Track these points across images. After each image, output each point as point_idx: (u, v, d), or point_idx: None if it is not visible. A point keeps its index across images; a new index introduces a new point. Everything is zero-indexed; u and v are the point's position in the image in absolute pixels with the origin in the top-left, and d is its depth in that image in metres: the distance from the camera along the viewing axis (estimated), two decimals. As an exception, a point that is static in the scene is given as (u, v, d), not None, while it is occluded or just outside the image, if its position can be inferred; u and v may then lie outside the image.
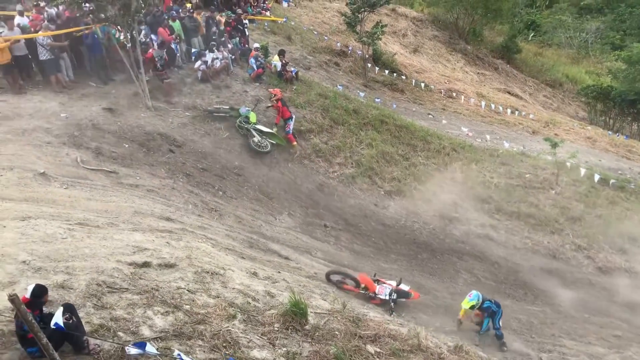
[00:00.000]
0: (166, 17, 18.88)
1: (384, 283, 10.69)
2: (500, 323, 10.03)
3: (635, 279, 15.62)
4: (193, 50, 18.84)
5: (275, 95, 16.97)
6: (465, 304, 10.03)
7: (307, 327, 7.40)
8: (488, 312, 9.92)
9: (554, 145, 18.64)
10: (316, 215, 14.96)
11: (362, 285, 10.53)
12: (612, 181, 19.40)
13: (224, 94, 18.00)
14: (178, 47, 18.63)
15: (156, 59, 16.81)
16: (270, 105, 17.12)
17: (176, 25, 18.73)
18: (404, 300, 10.70)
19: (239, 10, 23.00)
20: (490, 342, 10.23)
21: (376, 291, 10.46)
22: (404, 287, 10.74)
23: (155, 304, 6.87)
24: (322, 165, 16.96)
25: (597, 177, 19.14)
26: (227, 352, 6.45)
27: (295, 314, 7.39)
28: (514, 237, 16.09)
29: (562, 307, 13.35)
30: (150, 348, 5.62)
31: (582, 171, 19.42)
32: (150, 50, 17.06)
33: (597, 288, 14.85)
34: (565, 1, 50.85)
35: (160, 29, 17.88)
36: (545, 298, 13.70)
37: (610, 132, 31.43)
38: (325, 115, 18.66)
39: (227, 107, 17.17)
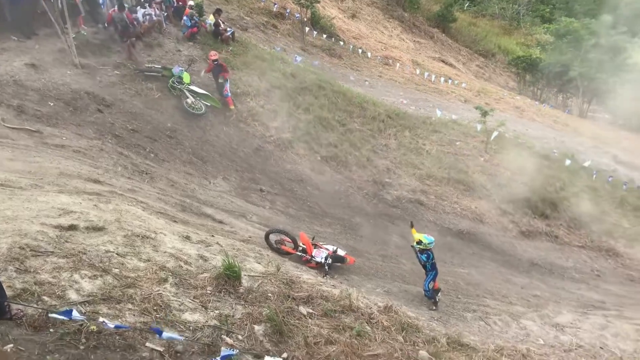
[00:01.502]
0: None
1: (321, 247, 10.81)
2: (430, 285, 10.38)
3: (554, 242, 16.57)
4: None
5: (210, 56, 16.55)
6: (417, 236, 10.45)
7: (240, 289, 7.40)
8: (425, 262, 10.23)
9: (484, 113, 19.26)
10: (252, 179, 14.83)
11: (301, 247, 10.61)
12: (536, 148, 20.32)
13: (156, 52, 17.35)
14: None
15: (117, 22, 16.10)
16: (208, 66, 16.68)
17: None
18: (339, 264, 10.87)
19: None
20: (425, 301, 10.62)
21: (313, 254, 10.57)
22: (341, 252, 10.90)
23: (82, 267, 6.66)
24: (259, 129, 16.76)
25: (522, 144, 19.98)
26: (158, 316, 6.37)
27: (229, 277, 7.37)
28: (444, 202, 16.61)
29: (487, 269, 13.98)
30: (76, 314, 5.47)
31: (510, 139, 20.21)
32: (110, 12, 16.45)
33: (520, 251, 15.64)
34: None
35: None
36: (472, 260, 14.30)
37: (537, 102, 32.75)
38: (262, 79, 18.36)
39: (159, 66, 16.55)
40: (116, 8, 16.61)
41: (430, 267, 10.33)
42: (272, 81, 18.35)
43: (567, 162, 19.72)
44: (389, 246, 13.53)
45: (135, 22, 17.02)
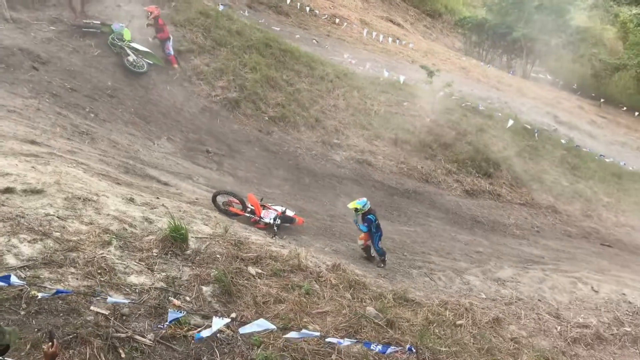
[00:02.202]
0: None
1: (270, 208, 10.79)
2: (380, 245, 10.58)
3: (497, 200, 17.12)
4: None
5: (151, 13, 15.88)
6: (352, 204, 10.45)
7: (187, 251, 7.33)
8: (369, 223, 10.37)
9: (431, 74, 19.42)
10: (198, 140, 14.54)
11: (249, 208, 10.56)
12: (480, 107, 20.75)
13: (94, 7, 16.50)
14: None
15: None
16: (149, 23, 16.00)
17: None
18: (288, 225, 10.90)
19: None
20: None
21: (262, 215, 10.54)
22: (289, 212, 10.91)
23: (20, 231, 6.42)
24: (204, 88, 16.34)
25: (467, 105, 20.36)
26: (102, 279, 6.25)
27: (175, 239, 7.28)
28: (391, 162, 16.81)
29: (432, 227, 14.35)
30: (15, 279, 5.29)
31: (455, 99, 20.53)
32: None
33: (464, 209, 16.10)
34: None
35: None
36: (417, 219, 14.63)
37: (482, 63, 33.26)
38: (207, 36, 17.81)
39: (98, 22, 15.77)
40: None
41: (375, 229, 10.47)
42: (217, 39, 17.83)
43: (510, 122, 20.24)
44: (337, 206, 13.65)
45: None
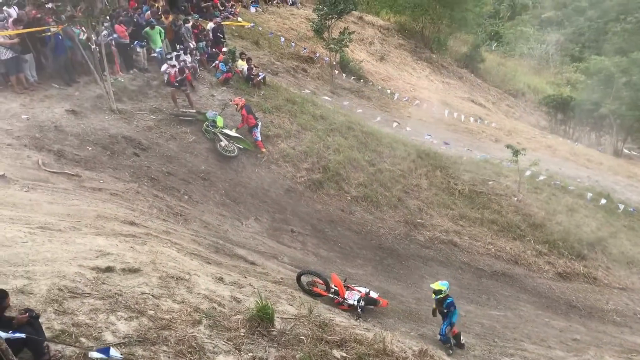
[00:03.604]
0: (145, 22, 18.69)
1: (353, 289, 10.73)
2: (446, 330, 10.12)
3: (593, 284, 16.08)
4: (157, 50, 18.57)
5: (237, 105, 16.94)
6: (435, 285, 10.13)
7: (273, 332, 7.37)
8: (449, 307, 10.01)
9: (516, 152, 19.07)
10: (283, 220, 14.93)
11: (333, 289, 10.55)
12: (569, 187, 19.98)
13: (191, 97, 17.85)
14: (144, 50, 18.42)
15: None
16: (239, 110, 17.07)
17: (155, 31, 18.49)
18: (372, 307, 10.76)
19: (218, 19, 22.89)
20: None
21: (345, 296, 10.49)
22: (373, 294, 10.80)
23: (118, 309, 6.75)
24: (290, 170, 16.95)
25: (556, 184, 19.69)
26: (192, 358, 6.38)
27: (262, 319, 7.35)
28: (478, 243, 16.36)
29: (524, 311, 13.63)
30: (114, 352, 5.52)
31: (542, 178, 19.94)
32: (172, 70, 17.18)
33: (557, 293, 15.22)
34: (527, 13, 52.29)
35: (117, 26, 17.58)
36: (508, 303, 13.97)
37: (570, 141, 32.35)
38: (293, 121, 18.68)
39: (194, 110, 17.03)
40: (175, 62, 17.30)
41: (452, 313, 10.08)
42: (302, 123, 18.64)
43: (603, 201, 19.31)
44: (422, 288, 13.34)
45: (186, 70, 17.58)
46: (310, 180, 16.81)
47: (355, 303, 10.28)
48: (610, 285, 16.23)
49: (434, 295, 10.20)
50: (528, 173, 19.72)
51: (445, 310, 10.07)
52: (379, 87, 27.62)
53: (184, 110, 16.97)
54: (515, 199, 18.76)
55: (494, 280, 15.09)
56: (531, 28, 49.46)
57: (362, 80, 27.55)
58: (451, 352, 9.97)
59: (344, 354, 7.33)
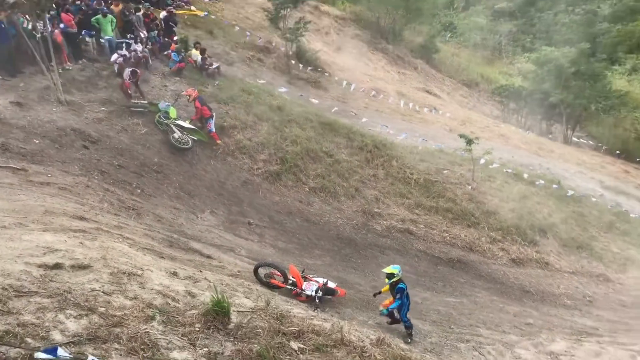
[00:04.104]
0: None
1: (311, 280, 10.69)
2: (408, 316, 10.20)
3: (545, 269, 16.54)
4: (106, 39, 17.99)
5: (189, 96, 16.60)
6: (387, 269, 10.20)
7: (229, 326, 7.25)
8: (400, 293, 10.08)
9: (470, 142, 19.41)
10: (240, 212, 14.75)
11: (290, 280, 10.48)
12: (522, 175, 20.47)
13: (142, 88, 17.39)
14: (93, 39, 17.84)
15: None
16: (192, 101, 16.73)
17: (107, 20, 17.88)
18: (330, 297, 10.75)
19: (171, 8, 22.35)
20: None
21: (303, 287, 10.44)
22: (331, 284, 10.78)
23: (67, 307, 6.50)
24: (246, 162, 16.76)
25: (508, 171, 20.15)
26: (145, 355, 6.21)
27: (217, 313, 7.22)
28: (433, 231, 16.59)
29: (479, 297, 13.89)
30: (62, 352, 5.31)
31: (495, 166, 20.36)
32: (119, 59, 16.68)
33: (511, 279, 15.59)
34: (480, 4, 53.15)
35: (64, 15, 16.95)
36: (463, 289, 14.22)
37: (522, 130, 33.16)
38: (249, 112, 18.45)
39: (146, 101, 16.60)
40: (125, 52, 16.82)
41: (406, 299, 10.15)
42: (259, 114, 18.44)
43: (554, 187, 19.86)
44: (379, 277, 13.38)
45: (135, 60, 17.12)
46: (267, 172, 16.66)
47: (313, 294, 10.25)
48: (561, 270, 16.75)
49: (387, 280, 10.27)
50: (482, 162, 20.10)
51: (397, 295, 10.14)
52: (336, 78, 27.60)
53: (136, 101, 16.51)
54: (470, 187, 19.09)
55: (449, 268, 15.33)
56: (484, 19, 50.32)
57: (318, 71, 27.46)
58: (409, 340, 10.05)
59: (302, 346, 7.28)
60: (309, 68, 27.00)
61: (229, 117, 17.76)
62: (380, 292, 10.80)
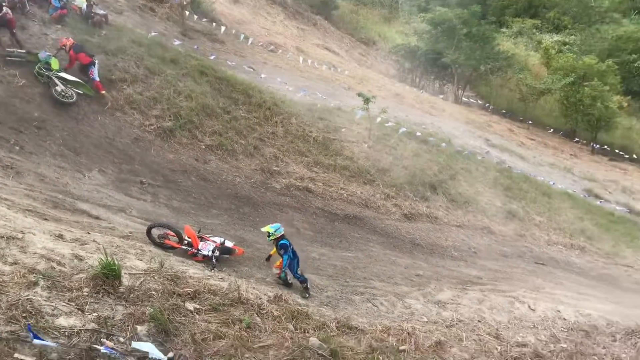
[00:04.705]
0: None
1: (208, 240, 10.51)
2: (300, 271, 10.35)
3: (434, 223, 17.43)
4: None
5: (65, 46, 15.36)
6: (266, 228, 10.29)
7: (120, 289, 6.98)
8: (284, 249, 10.20)
9: (367, 100, 19.75)
10: (131, 171, 14.07)
11: (186, 240, 10.24)
12: (415, 133, 21.23)
13: (18, 36, 15.84)
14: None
15: None
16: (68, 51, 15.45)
17: None
18: (227, 256, 10.65)
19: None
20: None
21: (199, 247, 10.24)
22: (229, 243, 10.66)
23: None
24: (137, 117, 15.92)
25: (402, 130, 20.81)
26: (28, 323, 5.82)
27: (107, 277, 6.91)
28: (331, 189, 16.84)
29: (373, 251, 14.39)
30: None
31: (391, 125, 20.93)
32: None
33: (403, 233, 16.27)
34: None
35: None
36: (358, 244, 14.65)
37: (416, 89, 34.25)
38: (139, 64, 17.42)
39: (24, 51, 15.16)
40: None
41: (292, 255, 10.30)
42: (151, 67, 17.50)
43: (444, 146, 20.80)
44: (278, 234, 13.47)
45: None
46: (160, 129, 15.97)
47: (210, 254, 10.09)
48: (449, 224, 17.72)
49: (267, 238, 10.34)
50: (378, 120, 20.56)
51: (281, 252, 10.26)
52: (233, 31, 26.79)
53: (11, 50, 15.03)
54: (366, 145, 19.52)
55: (346, 224, 15.70)
56: (382, -23, 50.78)
57: (215, 23, 26.50)
58: (307, 295, 10.22)
59: (198, 306, 7.17)
60: (205, 20, 25.98)
61: (117, 70, 16.68)
62: (270, 256, 10.87)
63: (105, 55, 16.74)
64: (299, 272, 10.30)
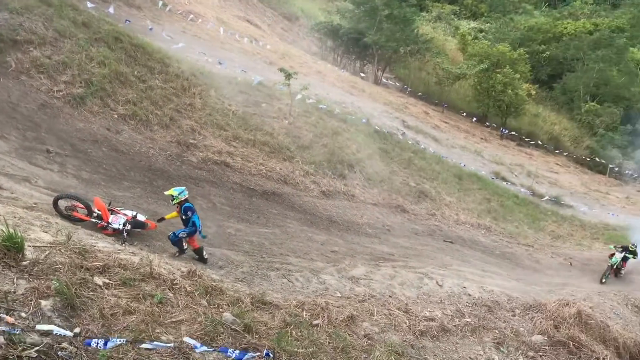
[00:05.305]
0: None
1: (119, 213, 10.15)
2: (183, 235, 10.20)
3: (351, 201, 17.76)
4: None
5: None
6: (170, 191, 10.26)
7: (24, 262, 6.61)
8: (192, 211, 10.17)
9: (288, 76, 19.64)
10: (37, 139, 13.27)
11: (96, 213, 9.84)
12: (335, 111, 21.43)
13: None
14: None
15: None
16: None
17: None
18: (139, 230, 10.35)
19: None
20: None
21: (110, 220, 9.89)
22: (141, 217, 10.36)
23: None
24: (45, 82, 14.98)
25: (323, 108, 20.95)
26: None
27: (9, 249, 6.53)
28: (250, 164, 16.71)
29: (290, 228, 14.48)
30: None
31: (312, 102, 20.98)
32: None
33: (320, 210, 16.47)
34: None
35: None
36: (276, 220, 14.67)
37: (337, 68, 34.42)
38: (48, 26, 16.32)
39: None
40: None
41: (191, 224, 10.21)
42: (61, 30, 16.43)
43: (363, 121, 21.12)
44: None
45: None
46: (70, 95, 15.12)
47: (121, 227, 9.78)
48: (365, 202, 18.12)
49: (171, 202, 10.25)
50: (299, 97, 20.54)
51: (183, 217, 10.14)
52: (151, -4, 25.66)
53: None
54: (286, 121, 19.47)
55: (264, 200, 15.66)
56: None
57: (131, -13, 25.23)
58: (177, 254, 10.15)
59: (107, 280, 6.94)
60: (121, -17, 24.65)
61: (23, 30, 15.54)
62: (163, 219, 10.73)
63: (10, 14, 15.57)
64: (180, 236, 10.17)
